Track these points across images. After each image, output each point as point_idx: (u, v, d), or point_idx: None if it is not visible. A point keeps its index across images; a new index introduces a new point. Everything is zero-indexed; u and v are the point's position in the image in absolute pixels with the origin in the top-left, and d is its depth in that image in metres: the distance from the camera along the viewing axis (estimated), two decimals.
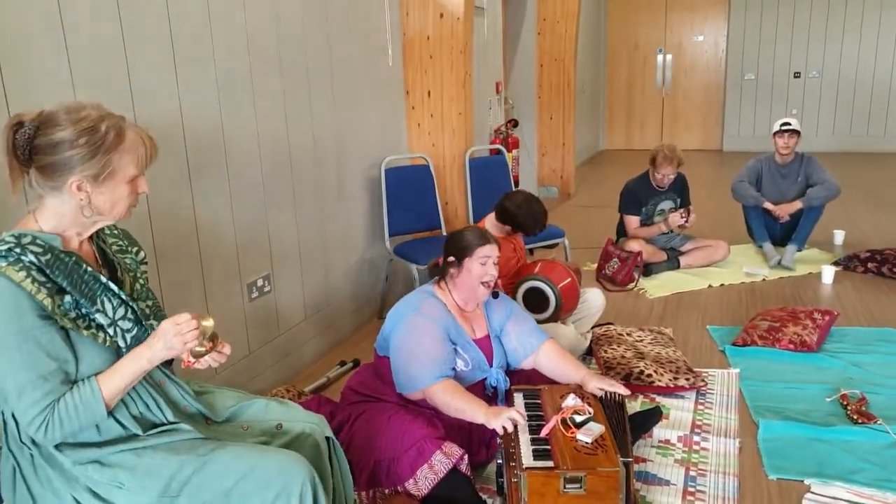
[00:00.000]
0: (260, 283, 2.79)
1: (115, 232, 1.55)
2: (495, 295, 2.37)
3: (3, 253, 1.26)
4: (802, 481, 2.15)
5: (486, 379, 2.28)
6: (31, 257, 1.27)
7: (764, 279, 4.24)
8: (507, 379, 2.30)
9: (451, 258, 2.26)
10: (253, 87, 2.68)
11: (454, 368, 2.18)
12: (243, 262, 2.69)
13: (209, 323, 1.38)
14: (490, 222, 3.05)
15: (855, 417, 2.49)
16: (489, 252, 2.24)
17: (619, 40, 10.52)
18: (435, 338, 2.13)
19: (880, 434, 2.38)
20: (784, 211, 4.52)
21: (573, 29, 6.75)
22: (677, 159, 4.22)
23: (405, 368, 2.13)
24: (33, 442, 1.34)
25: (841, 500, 2.06)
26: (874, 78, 9.34)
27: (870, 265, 4.25)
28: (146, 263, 1.59)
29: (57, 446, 1.34)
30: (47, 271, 1.29)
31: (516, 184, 5.50)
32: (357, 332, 3.59)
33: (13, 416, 1.33)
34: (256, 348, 2.78)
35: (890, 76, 9.26)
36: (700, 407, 2.66)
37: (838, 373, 2.90)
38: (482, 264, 2.23)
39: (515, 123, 6.02)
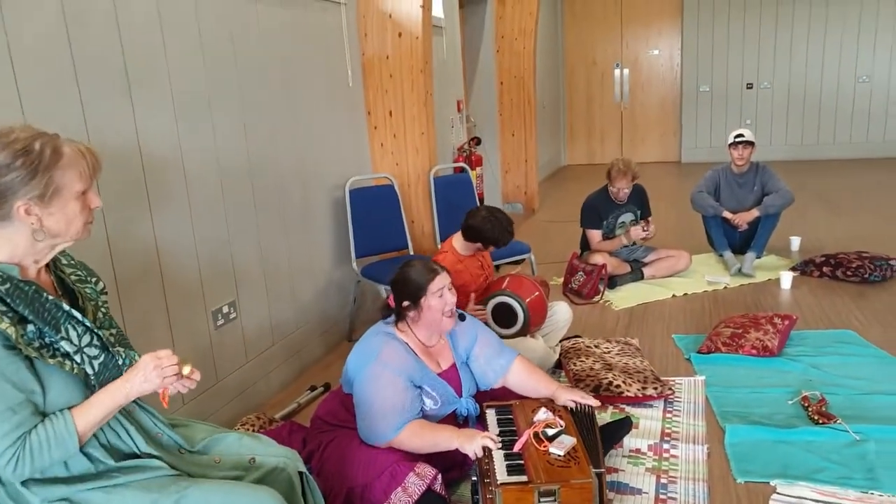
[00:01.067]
0: (225, 309, 2.75)
1: (73, 262, 1.53)
2: (462, 318, 2.32)
3: None
4: (769, 483, 2.20)
5: (456, 410, 2.26)
6: None
7: (725, 287, 4.33)
8: (477, 405, 2.29)
9: (406, 302, 2.19)
10: (211, 113, 2.67)
11: (423, 409, 2.14)
12: (207, 289, 2.66)
13: (187, 370, 1.40)
14: (458, 241, 3.07)
15: (816, 418, 2.56)
16: (441, 283, 2.18)
17: (576, 56, 10.73)
18: (397, 388, 2.07)
19: (840, 433, 2.44)
20: (742, 219, 4.64)
21: (531, 46, 6.86)
22: (632, 172, 4.31)
23: (368, 422, 2.07)
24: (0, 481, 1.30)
25: (806, 499, 2.11)
26: (821, 88, 9.69)
27: (825, 269, 4.38)
28: (106, 293, 1.56)
29: (24, 483, 1.30)
30: (8, 300, 1.27)
31: (481, 201, 5.55)
32: (327, 356, 3.56)
33: None
34: (224, 376, 2.74)
35: (836, 86, 9.61)
36: (668, 415, 2.71)
37: (799, 375, 2.97)
38: (440, 297, 2.17)
39: (478, 141, 6.09)
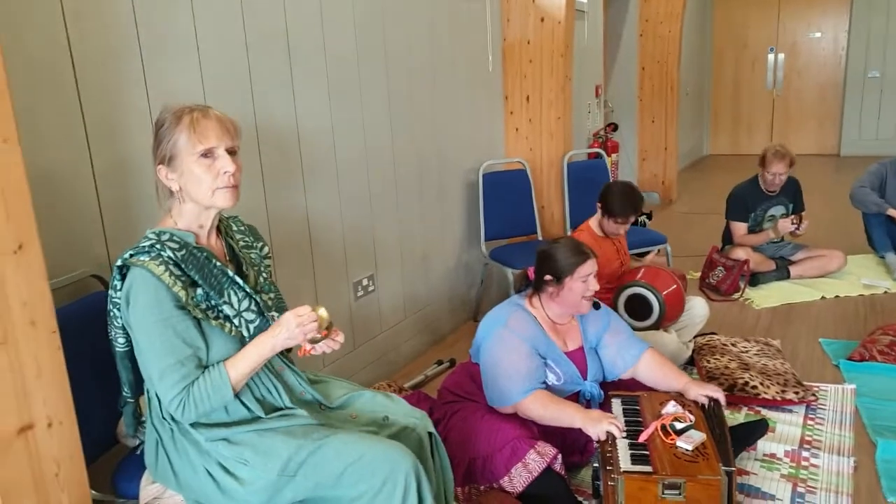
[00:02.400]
0: (365, 282, 2.92)
1: (242, 228, 1.69)
2: (597, 306, 2.31)
3: (146, 249, 1.41)
4: None
5: (580, 392, 2.26)
6: (169, 252, 1.42)
7: (886, 292, 3.96)
8: (602, 392, 2.27)
9: (549, 277, 2.20)
10: (361, 95, 2.82)
11: (545, 382, 2.17)
12: (350, 262, 2.83)
13: (324, 313, 1.49)
14: (595, 222, 3.03)
15: None
16: (590, 269, 2.18)
17: (726, 40, 10.09)
18: (522, 353, 2.12)
19: None
20: None
21: (677, 30, 6.56)
22: (789, 157, 4.02)
23: (494, 384, 2.13)
24: (173, 418, 1.48)
25: None
26: None
27: None
28: (270, 258, 1.71)
29: (192, 424, 1.48)
30: (182, 265, 1.43)
31: None
32: (453, 334, 3.67)
33: (156, 395, 1.48)
34: (361, 343, 2.92)
35: None
36: (810, 422, 2.54)
37: None
38: (583, 282, 2.17)
39: (615, 127, 5.94)
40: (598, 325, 2.34)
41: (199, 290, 1.45)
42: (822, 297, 3.92)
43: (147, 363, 1.42)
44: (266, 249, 1.71)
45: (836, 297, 3.93)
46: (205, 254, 1.48)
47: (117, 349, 1.50)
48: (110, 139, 1.84)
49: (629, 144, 6.64)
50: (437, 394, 2.43)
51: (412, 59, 3.16)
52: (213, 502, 1.49)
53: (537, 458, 1.97)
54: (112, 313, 1.47)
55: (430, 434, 1.70)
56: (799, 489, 2.14)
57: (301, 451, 1.46)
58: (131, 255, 1.41)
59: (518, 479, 1.97)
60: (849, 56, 9.35)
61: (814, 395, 2.69)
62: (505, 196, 3.80)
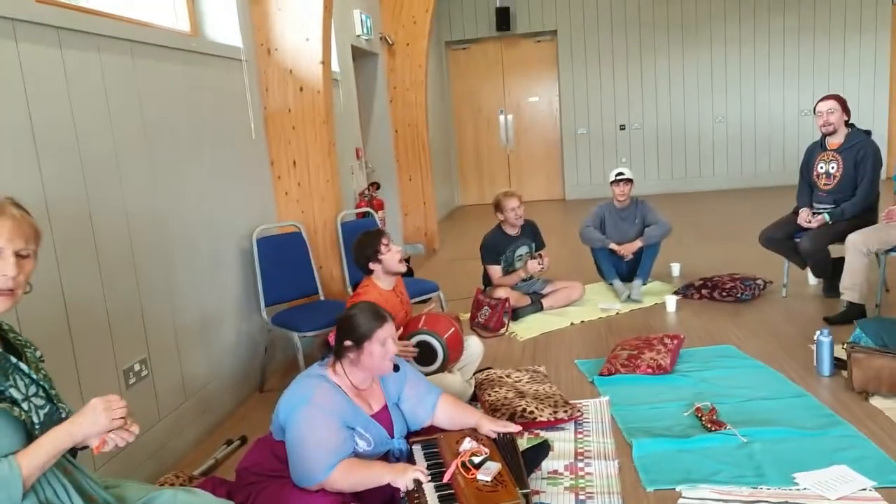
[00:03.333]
0: (137, 367, 2.67)
1: (13, 329, 1.54)
2: (396, 368, 2.35)
3: None
4: (675, 489, 2.40)
5: (389, 450, 2.30)
6: None
7: (618, 312, 4.66)
8: (408, 445, 2.34)
9: (349, 343, 2.21)
10: (119, 168, 2.64)
11: (356, 450, 2.17)
12: (118, 347, 2.57)
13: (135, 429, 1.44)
14: (377, 278, 3.14)
15: (709, 426, 2.81)
16: (387, 332, 2.22)
17: (463, 104, 11.21)
18: (331, 429, 2.09)
19: (730, 438, 2.71)
20: (627, 250, 5.02)
21: (422, 96, 7.16)
22: (516, 194, 4.63)
23: (300, 463, 2.08)
24: None
25: (707, 499, 2.32)
26: (685, 128, 10.68)
27: (703, 291, 4.81)
28: (43, 361, 1.57)
29: None
30: None
31: None
32: (239, 408, 3.49)
33: None
34: (138, 436, 2.63)
35: (697, 125, 10.64)
36: (580, 435, 2.88)
37: (690, 389, 3.25)
38: (382, 345, 2.21)
39: (378, 186, 6.22)
40: (396, 380, 2.42)
41: None
42: (571, 324, 4.49)
43: None
44: (39, 353, 1.57)
45: (582, 322, 4.52)
46: None
47: None
48: None
49: (392, 201, 6.99)
50: (236, 475, 2.30)
51: (174, 133, 3.04)
52: None
53: None
54: None
55: None
56: (580, 497, 2.41)
57: None
58: None
59: None
60: (562, 116, 10.97)
61: (579, 411, 3.05)
62: (282, 259, 3.77)
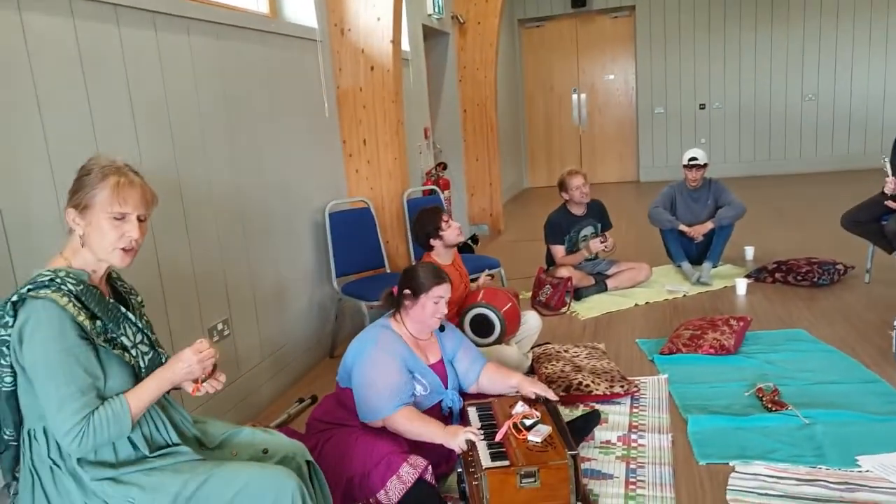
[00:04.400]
0: (220, 327, 2.90)
1: (121, 279, 1.74)
2: (441, 328, 2.55)
3: (46, 283, 1.44)
4: (727, 464, 2.42)
5: (442, 400, 2.45)
6: (70, 286, 1.46)
7: (685, 295, 4.61)
8: (461, 399, 2.48)
9: (407, 291, 2.42)
10: (204, 143, 2.85)
11: (413, 394, 2.34)
12: (204, 308, 2.81)
13: (217, 353, 1.61)
14: (436, 253, 3.27)
15: (770, 406, 2.80)
16: (443, 292, 2.40)
17: (535, 83, 11.13)
18: (394, 370, 2.29)
19: (792, 418, 2.69)
20: (698, 232, 4.94)
21: (492, 75, 7.18)
22: (581, 172, 4.63)
23: (366, 400, 2.28)
24: (60, 457, 1.47)
25: (761, 475, 2.33)
26: (770, 106, 10.21)
27: (777, 275, 4.69)
28: (144, 307, 1.76)
29: (78, 461, 1.47)
30: (82, 299, 1.47)
31: None
32: (310, 372, 3.71)
33: (44, 432, 1.46)
34: (220, 390, 2.87)
35: (784, 104, 10.15)
36: (635, 410, 2.92)
37: (754, 370, 3.22)
38: (435, 303, 2.39)
39: (444, 166, 6.33)
40: (453, 340, 2.58)
41: (99, 322, 1.50)
42: (636, 304, 4.48)
43: (46, 394, 1.40)
44: (140, 298, 1.76)
45: (647, 303, 4.51)
46: (98, 291, 1.54)
47: (3, 389, 1.47)
48: None
49: (458, 181, 7.09)
50: (306, 427, 2.49)
51: (253, 110, 3.25)
52: None
53: (410, 471, 2.11)
54: None
55: (308, 462, 1.79)
56: (631, 466, 2.47)
57: (189, 485, 1.50)
58: (29, 290, 1.43)
59: (393, 491, 2.09)
60: (638, 95, 10.73)
61: (636, 387, 3.09)
62: (352, 233, 3.96)
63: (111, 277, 1.68)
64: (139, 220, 1.55)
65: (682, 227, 4.97)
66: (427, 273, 2.42)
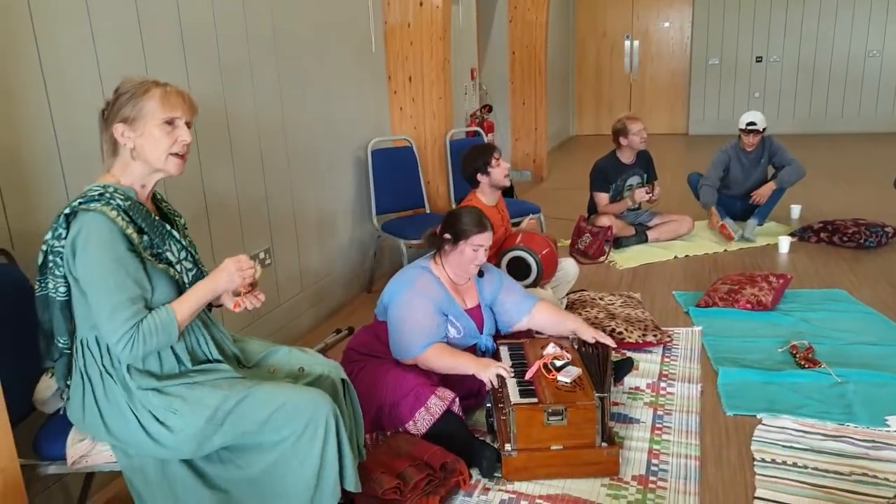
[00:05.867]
0: (262, 255, 2.99)
1: (165, 200, 1.79)
2: (480, 274, 2.54)
3: (96, 197, 1.49)
4: (755, 416, 2.44)
5: (476, 344, 2.49)
6: (119, 201, 1.51)
7: (725, 250, 4.54)
8: (495, 344, 2.53)
9: (448, 235, 2.41)
10: (251, 72, 2.88)
11: (446, 336, 2.39)
12: (247, 236, 2.90)
13: (258, 265, 1.66)
14: (481, 193, 3.26)
15: (802, 363, 2.78)
16: (483, 241, 2.39)
17: (587, 28, 10.80)
18: (426, 312, 2.33)
19: (824, 376, 2.68)
20: (762, 195, 4.80)
21: (543, 17, 6.98)
22: (639, 118, 4.53)
23: (399, 339, 2.34)
24: (111, 365, 1.56)
25: (788, 429, 2.34)
26: (831, 62, 9.76)
27: (822, 235, 4.58)
28: (188, 229, 1.81)
29: (127, 370, 1.56)
30: (130, 213, 1.53)
31: None
32: (348, 305, 3.81)
33: (96, 341, 1.55)
34: (261, 316, 2.99)
35: (846, 61, 9.67)
36: (666, 359, 2.94)
37: (790, 328, 3.19)
38: (474, 250, 2.38)
39: (490, 108, 6.26)
40: (493, 285, 2.59)
41: (146, 237, 1.55)
42: (675, 257, 4.44)
43: (98, 302, 1.48)
44: (184, 220, 1.81)
45: (686, 256, 4.46)
46: (145, 208, 1.59)
47: (58, 299, 1.54)
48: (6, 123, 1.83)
49: (503, 125, 7.01)
50: (343, 355, 2.58)
51: (299, 39, 3.24)
52: (144, 450, 1.57)
53: (438, 402, 2.18)
54: (52, 263, 1.51)
55: (343, 381, 1.86)
56: (658, 413, 2.51)
57: (228, 401, 1.57)
58: (81, 203, 1.48)
59: (422, 422, 2.17)
60: (693, 45, 10.33)
61: (669, 337, 3.10)
62: (393, 172, 3.98)
63: (156, 198, 1.72)
64: (187, 125, 1.59)
65: (712, 211, 4.79)
66: (470, 219, 2.40)
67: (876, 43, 9.51)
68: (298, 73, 3.24)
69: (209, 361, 1.68)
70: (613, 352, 2.95)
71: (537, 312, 2.57)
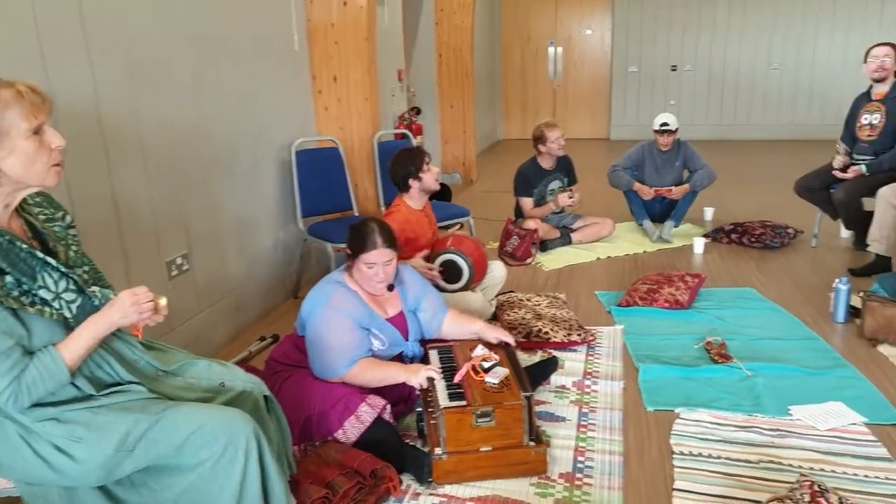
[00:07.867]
0: (179, 261, 2.87)
1: (38, 200, 1.55)
2: (390, 288, 2.41)
3: None
4: (673, 410, 2.54)
5: (402, 352, 2.46)
6: None
7: (644, 251, 4.71)
8: (422, 348, 2.51)
9: (349, 252, 2.34)
10: (165, 76, 2.76)
11: (371, 350, 2.33)
12: (162, 242, 2.77)
13: (163, 302, 1.51)
14: (409, 197, 3.23)
15: (716, 359, 2.92)
16: (374, 259, 2.28)
17: (512, 33, 10.98)
18: (346, 329, 2.25)
19: (736, 371, 2.82)
20: (679, 193, 4.98)
21: (469, 20, 7.04)
22: (558, 124, 4.66)
23: (321, 359, 2.25)
24: None
25: (703, 422, 2.45)
26: (739, 73, 10.31)
27: (733, 236, 4.82)
28: (74, 227, 1.61)
29: None
30: None
31: None
32: (273, 311, 3.71)
33: None
34: (178, 325, 2.87)
35: (752, 72, 10.25)
36: (590, 358, 3.02)
37: (705, 325, 3.34)
38: (369, 268, 2.29)
39: (418, 111, 6.26)
40: (415, 290, 2.56)
41: (9, 278, 1.35)
42: (598, 258, 4.57)
43: None
44: (69, 218, 1.60)
45: (608, 257, 4.60)
46: (7, 237, 1.37)
47: None
48: None
49: (432, 128, 7.03)
50: (265, 365, 2.51)
51: (216, 36, 3.13)
52: (47, 481, 1.45)
53: (368, 410, 2.15)
54: None
55: (265, 397, 1.77)
56: (584, 410, 2.57)
57: (139, 425, 1.45)
58: None
59: (351, 430, 2.14)
60: (613, 52, 10.67)
61: (593, 336, 3.19)
62: (319, 173, 3.91)
63: (23, 208, 1.49)
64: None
65: (636, 186, 4.98)
66: (362, 235, 2.30)
67: (777, 57, 10.13)
68: (215, 72, 3.13)
69: (119, 384, 1.54)
70: (541, 352, 3.03)
71: (445, 325, 2.57)
